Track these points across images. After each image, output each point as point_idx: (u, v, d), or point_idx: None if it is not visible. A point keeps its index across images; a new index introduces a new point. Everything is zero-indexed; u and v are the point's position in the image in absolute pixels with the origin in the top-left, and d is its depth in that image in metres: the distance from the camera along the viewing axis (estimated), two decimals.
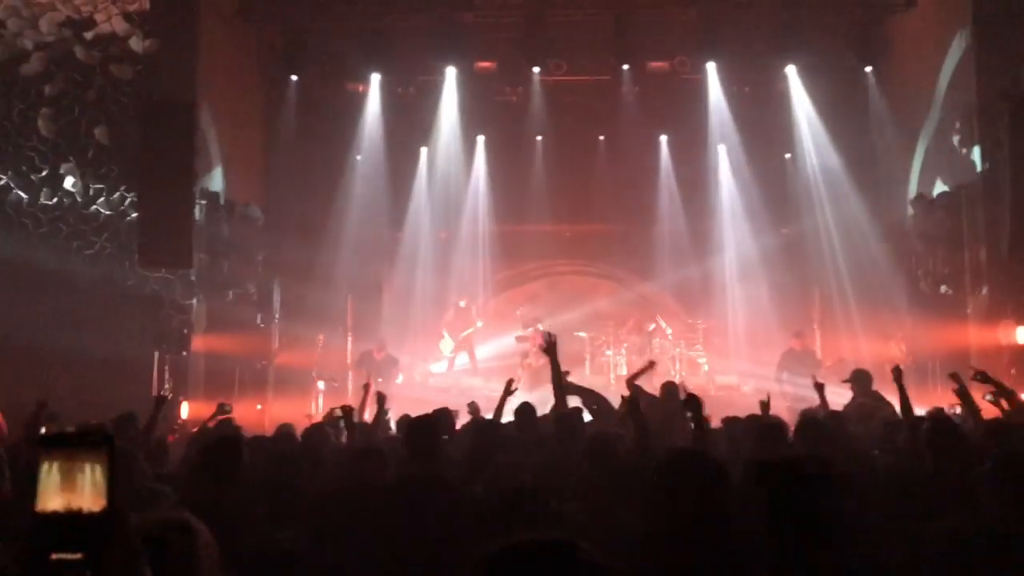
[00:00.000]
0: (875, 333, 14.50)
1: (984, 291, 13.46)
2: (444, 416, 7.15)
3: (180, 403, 11.84)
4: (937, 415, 6.95)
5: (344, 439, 7.09)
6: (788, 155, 16.49)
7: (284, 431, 7.33)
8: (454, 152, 16.48)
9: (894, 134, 15.16)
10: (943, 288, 14.26)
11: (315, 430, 7.17)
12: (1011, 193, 12.38)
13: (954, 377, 7.22)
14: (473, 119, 16.29)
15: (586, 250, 17.09)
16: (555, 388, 7.04)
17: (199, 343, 13.06)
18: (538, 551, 1.64)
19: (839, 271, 15.32)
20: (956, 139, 14.00)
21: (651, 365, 8.51)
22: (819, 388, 7.84)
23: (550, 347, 7.16)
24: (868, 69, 15.28)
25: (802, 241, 16.04)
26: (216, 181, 14.22)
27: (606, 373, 15.72)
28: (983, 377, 7.24)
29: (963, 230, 13.89)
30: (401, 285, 16.58)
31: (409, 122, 16.33)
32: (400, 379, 14.19)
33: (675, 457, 3.56)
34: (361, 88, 16.34)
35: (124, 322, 11.73)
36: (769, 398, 7.71)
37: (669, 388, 8.59)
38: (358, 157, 16.29)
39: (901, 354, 14.50)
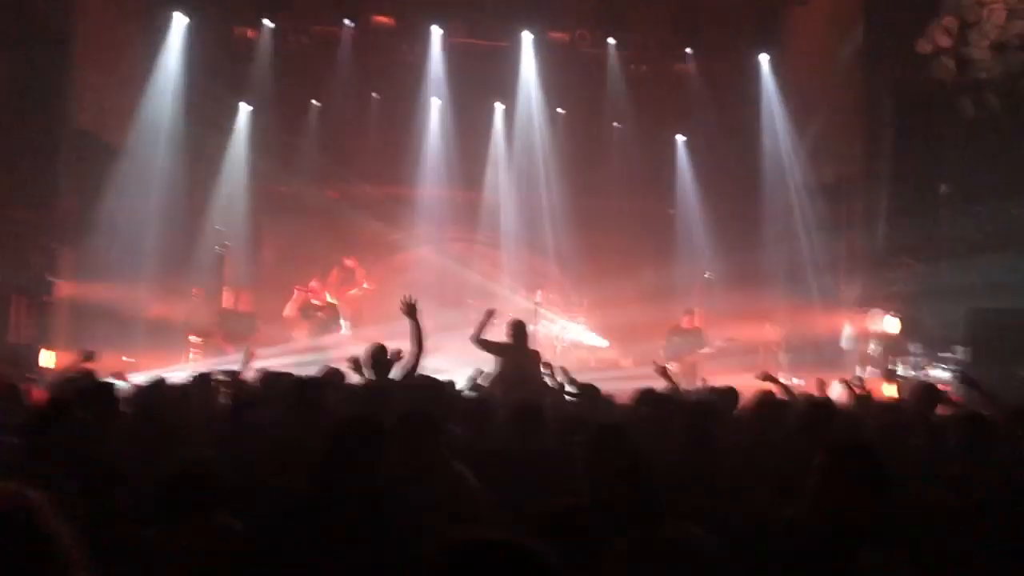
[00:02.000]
0: (752, 315, 14.78)
1: (858, 280, 13.99)
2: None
3: (39, 351, 11.08)
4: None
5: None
6: (680, 136, 16.66)
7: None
8: (346, 108, 15.92)
9: (784, 124, 15.48)
10: (820, 275, 14.75)
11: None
12: (889, 187, 12.89)
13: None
14: (368, 75, 15.78)
15: (476, 218, 16.85)
16: (414, 344, 6.96)
17: (64, 290, 12.27)
18: (484, 551, 1.59)
19: (722, 252, 15.59)
20: (843, 132, 14.48)
21: (491, 314, 8.45)
22: (663, 372, 8.07)
23: (410, 309, 7.15)
24: (763, 56, 15.55)
25: (689, 221, 16.25)
26: (88, 119, 13.34)
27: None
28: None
29: (843, 220, 14.38)
30: (283, 242, 16.00)
31: (301, 74, 15.70)
32: None
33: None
34: (250, 33, 15.61)
35: None
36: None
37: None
38: (243, 105, 15.56)
39: (776, 335, 15.00)
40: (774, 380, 7.78)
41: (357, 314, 14.70)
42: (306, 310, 13.81)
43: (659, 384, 7.73)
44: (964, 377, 7.69)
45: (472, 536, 1.60)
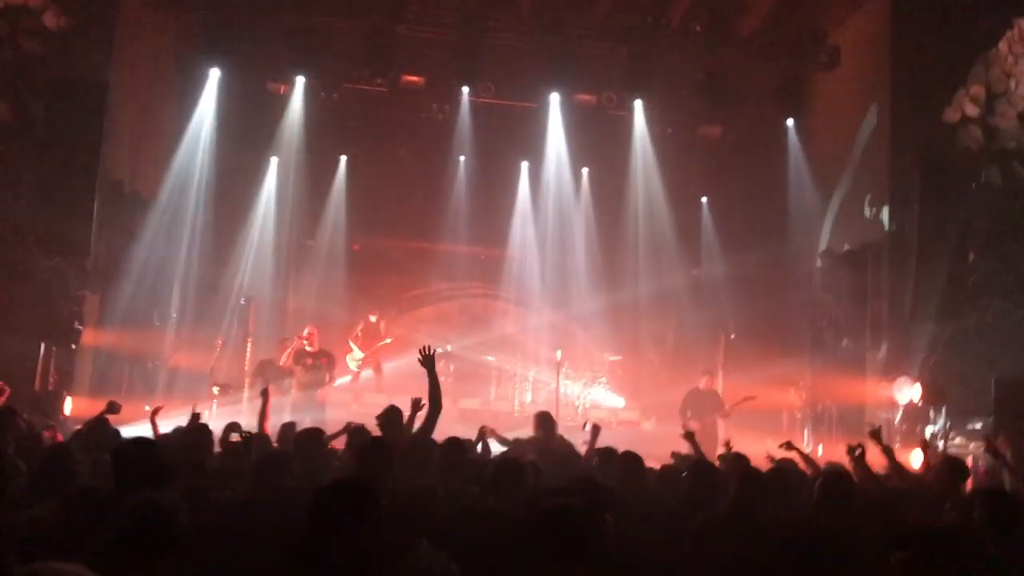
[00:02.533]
0: (776, 380, 14.66)
1: (883, 348, 13.84)
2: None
3: (64, 398, 11.14)
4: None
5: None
6: (705, 198, 16.71)
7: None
8: (375, 164, 16.13)
9: (810, 188, 15.52)
10: (844, 341, 14.62)
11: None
12: (917, 254, 12.81)
13: (875, 433, 7.45)
14: (396, 132, 16.01)
15: (500, 275, 16.93)
16: (430, 401, 6.65)
17: (89, 337, 12.37)
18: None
19: (747, 316, 15.52)
20: (868, 197, 14.46)
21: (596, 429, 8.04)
22: (690, 437, 7.85)
23: (428, 360, 6.84)
24: (790, 122, 15.63)
25: (713, 284, 16.20)
26: (121, 169, 13.58)
27: (511, 398, 15.54)
28: (875, 434, 7.53)
29: (867, 287, 14.29)
30: (307, 293, 16.08)
31: (331, 128, 15.93)
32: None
33: None
34: (282, 88, 15.88)
35: (12, 309, 10.95)
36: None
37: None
38: (274, 159, 15.78)
39: (800, 402, 14.86)
40: (796, 449, 7.63)
41: (378, 367, 14.69)
42: (299, 356, 13.65)
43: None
44: (989, 446, 7.54)
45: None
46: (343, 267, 16.12)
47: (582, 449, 7.64)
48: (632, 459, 6.04)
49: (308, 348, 13.46)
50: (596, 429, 7.82)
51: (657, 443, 8.54)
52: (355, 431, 7.02)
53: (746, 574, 3.85)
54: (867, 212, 14.48)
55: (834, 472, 5.96)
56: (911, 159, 13.08)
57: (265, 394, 8.34)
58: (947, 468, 6.70)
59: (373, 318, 15.01)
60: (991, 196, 12.45)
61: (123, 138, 13.44)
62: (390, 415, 7.06)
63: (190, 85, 15.32)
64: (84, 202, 12.19)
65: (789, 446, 7.73)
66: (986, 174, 12.44)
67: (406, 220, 16.45)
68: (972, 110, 12.58)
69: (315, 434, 6.49)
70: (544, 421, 8.25)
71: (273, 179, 16.01)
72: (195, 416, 7.74)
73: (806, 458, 7.53)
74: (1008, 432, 9.70)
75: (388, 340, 14.99)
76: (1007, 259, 12.18)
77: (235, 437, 7.06)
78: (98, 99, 12.35)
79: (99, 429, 6.88)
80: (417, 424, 6.90)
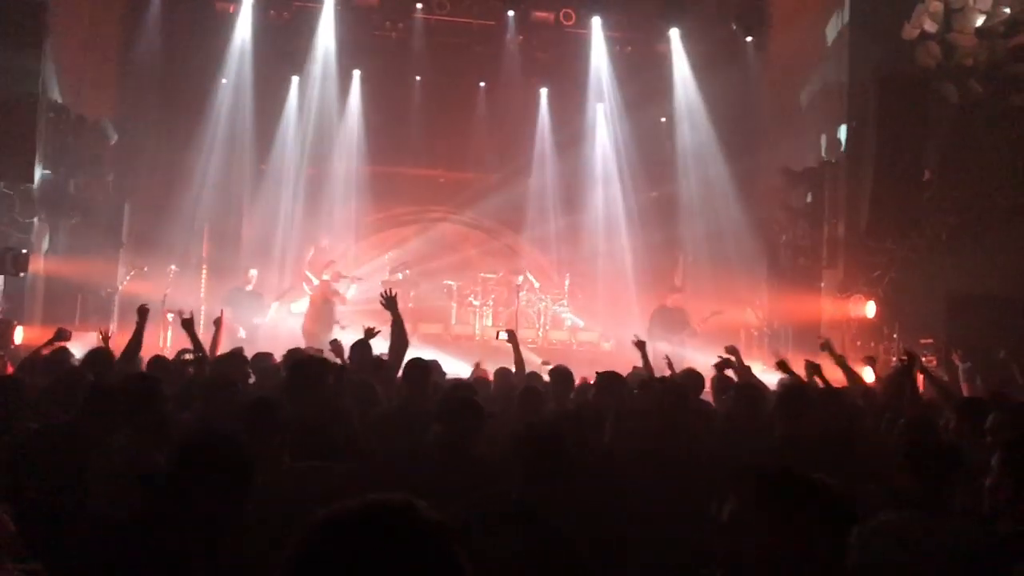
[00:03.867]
0: (733, 299, 14.74)
1: (839, 265, 14.01)
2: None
3: (15, 327, 10.93)
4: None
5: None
6: (664, 118, 16.60)
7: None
8: (328, 85, 15.75)
9: (768, 106, 15.48)
10: (800, 260, 14.78)
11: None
12: (873, 172, 12.86)
13: (825, 346, 7.58)
14: (350, 52, 15.61)
15: (459, 198, 16.77)
16: (394, 342, 6.62)
17: (39, 265, 12.11)
18: (374, 514, 1.48)
19: (703, 236, 15.55)
20: (825, 116, 14.48)
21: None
22: (640, 346, 7.81)
23: (390, 303, 6.79)
24: (748, 39, 15.49)
25: (670, 204, 16.21)
26: (65, 93, 13.15)
27: (471, 323, 15.58)
28: (827, 346, 7.63)
29: (824, 205, 14.39)
30: (263, 221, 15.82)
31: (281, 49, 15.49)
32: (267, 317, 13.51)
33: None
34: (231, 8, 15.39)
35: None
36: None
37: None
38: (223, 81, 15.36)
39: (757, 320, 15.05)
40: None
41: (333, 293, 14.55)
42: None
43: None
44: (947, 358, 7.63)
45: (363, 500, 1.50)
46: (298, 192, 15.81)
47: None
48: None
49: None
50: (511, 335, 7.82)
51: (617, 364, 8.51)
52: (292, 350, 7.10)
53: None
54: (824, 129, 14.50)
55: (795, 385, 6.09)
56: (868, 77, 13.05)
57: (218, 322, 8.28)
58: (895, 382, 6.80)
59: (325, 243, 14.80)
60: (947, 113, 12.46)
61: (65, 62, 12.97)
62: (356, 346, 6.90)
63: (133, 5, 14.79)
64: (26, 127, 11.80)
65: (733, 351, 7.71)
66: (943, 91, 12.42)
67: (362, 143, 16.12)
68: (930, 26, 12.51)
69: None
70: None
71: (225, 102, 15.56)
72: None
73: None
74: (959, 347, 9.86)
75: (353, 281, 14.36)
76: (962, 177, 12.26)
77: (187, 356, 7.15)
78: (37, 21, 11.87)
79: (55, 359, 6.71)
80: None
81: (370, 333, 7.06)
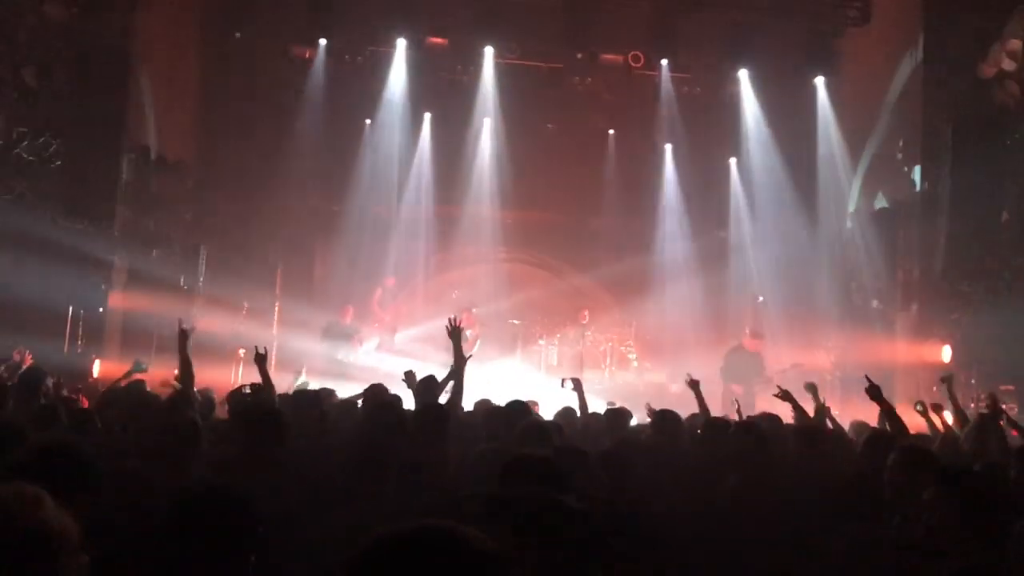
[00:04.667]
0: (805, 342, 14.48)
1: (914, 308, 13.62)
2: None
3: (93, 361, 11.28)
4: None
5: None
6: (733, 159, 16.49)
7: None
8: (399, 128, 16.03)
9: (839, 147, 15.25)
10: (874, 303, 14.42)
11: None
12: (948, 213, 12.54)
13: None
14: (420, 95, 15.90)
15: (526, 238, 16.83)
16: (454, 374, 6.59)
17: (117, 301, 12.49)
18: (421, 539, 1.57)
19: (773, 278, 15.33)
20: (899, 156, 14.17)
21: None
22: (694, 386, 7.41)
23: (454, 332, 6.76)
24: (819, 80, 15.35)
25: (738, 245, 16.08)
26: (147, 134, 13.65)
27: (537, 362, 15.54)
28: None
29: (898, 247, 14.05)
30: (334, 259, 16.11)
31: (354, 93, 15.86)
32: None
33: None
34: (308, 53, 15.83)
35: (40, 275, 11.05)
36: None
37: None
38: (298, 124, 15.77)
39: (829, 365, 14.65)
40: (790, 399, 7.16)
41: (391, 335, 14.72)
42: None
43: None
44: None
45: (409, 525, 1.59)
46: (368, 233, 16.07)
47: None
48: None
49: None
50: (576, 383, 7.52)
51: (685, 406, 8.29)
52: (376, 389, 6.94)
53: None
54: (898, 171, 14.21)
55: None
56: (943, 116, 12.77)
57: (261, 359, 8.20)
58: (977, 429, 6.51)
59: (391, 283, 14.99)
60: None
61: (148, 104, 13.48)
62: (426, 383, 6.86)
63: (213, 51, 15.35)
64: (108, 168, 12.28)
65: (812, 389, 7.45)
66: (1021, 131, 12.10)
67: (431, 184, 16.34)
68: (1008, 64, 12.21)
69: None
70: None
71: (299, 145, 15.90)
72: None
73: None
74: None
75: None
76: None
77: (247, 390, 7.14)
78: (122, 66, 12.40)
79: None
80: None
81: (411, 378, 6.99)
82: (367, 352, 14.21)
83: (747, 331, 13.83)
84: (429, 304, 15.58)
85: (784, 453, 5.71)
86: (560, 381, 8.03)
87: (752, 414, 8.21)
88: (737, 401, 7.95)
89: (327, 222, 16.45)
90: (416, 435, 5.06)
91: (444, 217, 16.36)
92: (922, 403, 7.40)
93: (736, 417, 7.25)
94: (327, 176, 15.98)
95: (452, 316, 7.07)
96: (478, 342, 13.78)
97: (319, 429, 5.73)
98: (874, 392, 6.23)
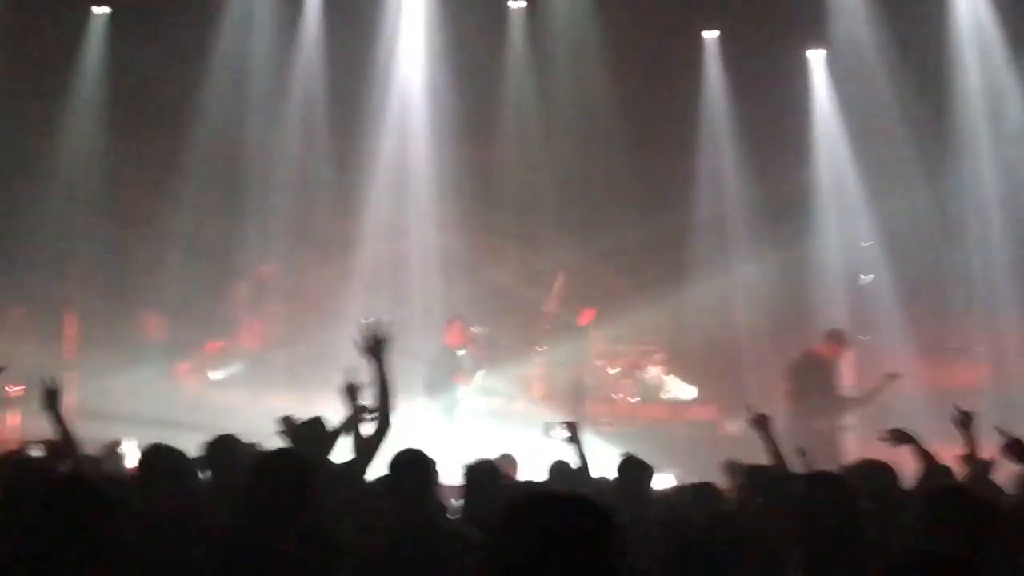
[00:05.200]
0: (935, 350, 11.43)
1: None
2: None
3: None
4: None
5: None
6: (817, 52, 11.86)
7: None
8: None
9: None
10: None
11: None
12: None
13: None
14: None
15: (482, 191, 11.80)
16: (379, 402, 4.79)
17: None
18: (562, 502, 1.98)
19: (888, 245, 11.59)
20: None
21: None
22: (762, 424, 5.42)
23: (375, 346, 4.84)
24: None
25: (830, 195, 11.91)
26: None
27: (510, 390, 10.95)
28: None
29: None
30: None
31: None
32: None
33: None
34: None
35: None
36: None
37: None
38: None
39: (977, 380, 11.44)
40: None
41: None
42: None
43: None
44: None
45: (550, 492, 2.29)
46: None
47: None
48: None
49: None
50: (571, 429, 5.81)
51: (749, 453, 5.52)
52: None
53: None
54: None
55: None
56: None
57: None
58: None
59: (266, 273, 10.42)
60: None
61: None
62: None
63: None
64: None
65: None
66: None
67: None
68: None
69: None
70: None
71: None
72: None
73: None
74: None
75: None
76: None
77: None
78: None
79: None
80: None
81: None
82: (215, 378, 10.45)
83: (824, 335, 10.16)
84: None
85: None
86: (544, 427, 6.31)
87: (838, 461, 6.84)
88: (802, 448, 5.68)
89: None
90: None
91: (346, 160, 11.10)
92: None
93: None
94: None
95: (365, 320, 5.12)
96: (481, 374, 10.19)
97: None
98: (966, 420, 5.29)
